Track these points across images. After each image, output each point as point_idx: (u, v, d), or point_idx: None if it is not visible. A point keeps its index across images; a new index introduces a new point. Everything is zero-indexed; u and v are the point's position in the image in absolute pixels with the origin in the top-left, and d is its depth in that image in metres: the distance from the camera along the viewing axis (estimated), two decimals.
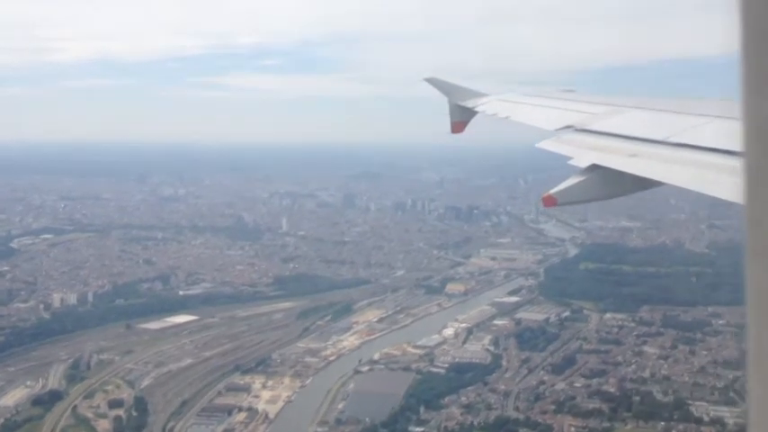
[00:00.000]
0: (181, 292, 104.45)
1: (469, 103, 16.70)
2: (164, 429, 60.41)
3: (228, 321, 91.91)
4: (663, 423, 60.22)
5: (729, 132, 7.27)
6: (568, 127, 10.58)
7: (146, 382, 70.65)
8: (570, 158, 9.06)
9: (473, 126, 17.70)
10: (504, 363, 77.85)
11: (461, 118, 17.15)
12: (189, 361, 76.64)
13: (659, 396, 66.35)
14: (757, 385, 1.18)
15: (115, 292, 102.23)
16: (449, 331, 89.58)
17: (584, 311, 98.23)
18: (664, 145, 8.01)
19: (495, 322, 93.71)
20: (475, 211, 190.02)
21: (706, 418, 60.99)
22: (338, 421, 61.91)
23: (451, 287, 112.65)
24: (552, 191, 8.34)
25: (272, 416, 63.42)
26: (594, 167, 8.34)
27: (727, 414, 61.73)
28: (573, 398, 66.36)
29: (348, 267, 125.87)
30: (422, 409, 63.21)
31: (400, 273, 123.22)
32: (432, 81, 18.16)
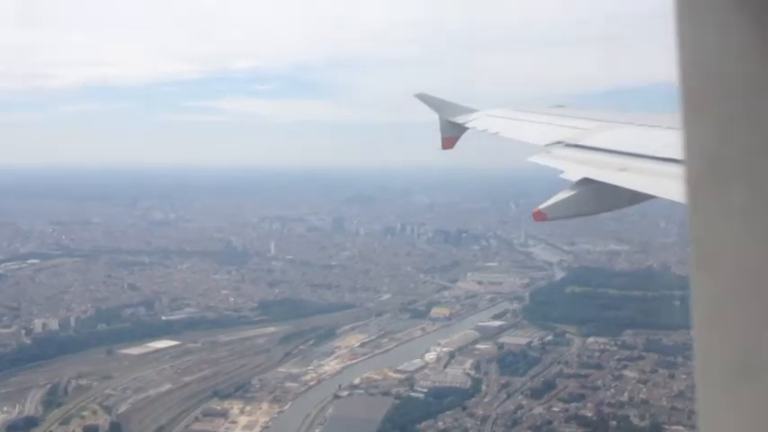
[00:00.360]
0: (164, 317, 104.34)
1: (460, 119, 16.81)
2: None
3: (210, 346, 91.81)
4: None
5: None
6: (559, 142, 10.60)
7: (123, 408, 70.46)
8: (561, 172, 9.14)
9: (464, 142, 17.69)
10: (483, 387, 77.90)
11: (452, 134, 17.22)
12: (168, 386, 76.49)
13: (636, 420, 66.53)
14: (705, 390, 1.23)
15: (98, 317, 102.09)
16: (431, 355, 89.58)
17: (567, 335, 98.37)
18: (654, 160, 8.03)
19: (478, 346, 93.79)
20: (464, 235, 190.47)
21: None
22: None
23: (436, 311, 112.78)
24: (542, 206, 8.38)
25: None
26: (586, 181, 8.42)
27: None
28: (550, 422, 66.46)
29: (334, 291, 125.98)
30: None
31: (386, 297, 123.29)
32: (422, 97, 18.33)
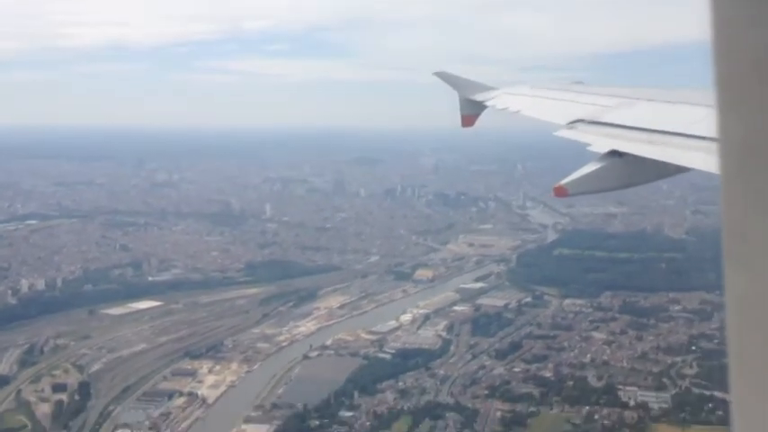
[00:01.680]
0: (150, 278, 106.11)
1: (479, 97, 16.72)
2: (101, 414, 62.09)
3: (191, 307, 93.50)
4: (587, 407, 61.21)
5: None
6: (579, 120, 10.45)
7: (95, 367, 72.37)
8: (588, 145, 9.01)
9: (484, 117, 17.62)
10: (452, 348, 79.04)
11: (471, 112, 17.24)
12: (143, 346, 78.32)
13: (593, 381, 67.39)
14: (739, 389, 1.24)
15: (85, 277, 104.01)
16: (406, 317, 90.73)
17: (546, 297, 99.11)
18: (681, 136, 7.89)
19: (455, 308, 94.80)
20: (462, 197, 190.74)
21: (632, 403, 61.96)
22: (274, 406, 63.37)
23: (420, 273, 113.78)
24: (564, 181, 8.22)
25: (210, 401, 64.94)
26: (612, 154, 8.27)
27: (653, 399, 62.68)
28: (508, 383, 67.51)
29: (323, 253, 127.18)
30: (356, 395, 64.49)
31: (374, 259, 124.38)
32: (441, 75, 18.24)
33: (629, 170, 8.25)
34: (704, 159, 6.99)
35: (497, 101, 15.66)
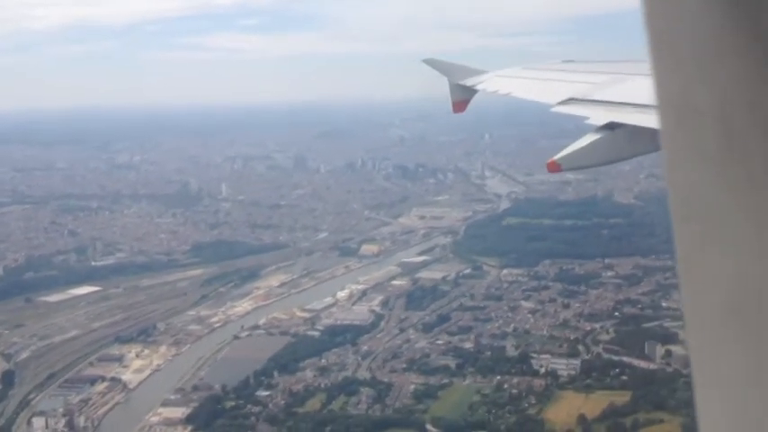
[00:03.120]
0: (93, 263, 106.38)
1: (469, 82, 16.51)
2: (21, 402, 62.86)
3: (130, 291, 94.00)
4: (499, 377, 62.63)
5: None
6: (571, 99, 10.41)
7: (23, 355, 72.93)
8: (586, 118, 9.01)
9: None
10: (382, 323, 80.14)
11: (462, 97, 17.01)
12: (75, 332, 78.90)
13: (510, 351, 68.83)
14: (695, 336, 1.27)
15: (28, 265, 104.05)
16: (343, 293, 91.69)
17: (485, 268, 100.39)
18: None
19: (394, 282, 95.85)
20: (420, 169, 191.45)
21: (542, 371, 63.43)
22: (194, 388, 64.35)
23: (366, 249, 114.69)
24: (557, 156, 8.16)
25: (132, 385, 65.77)
26: (604, 128, 8.31)
27: (563, 366, 64.20)
28: (427, 356, 68.81)
29: (272, 232, 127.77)
30: (276, 374, 65.56)
31: (323, 235, 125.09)
32: (430, 62, 18.02)
33: (622, 143, 8.26)
34: None
35: (488, 84, 15.65)
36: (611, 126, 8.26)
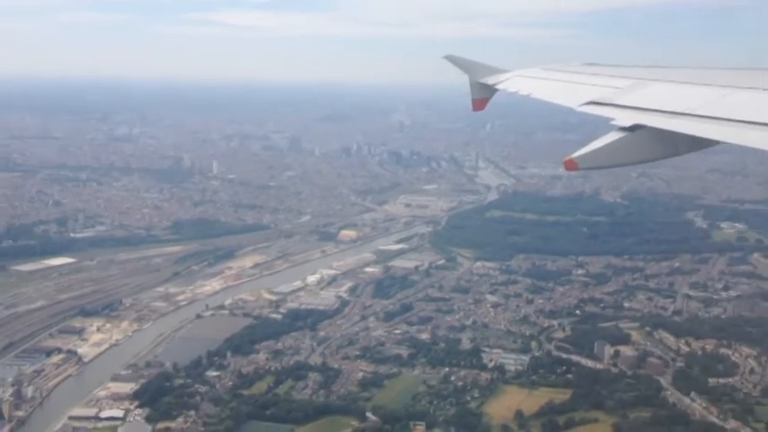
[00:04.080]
0: (73, 235, 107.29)
1: (490, 80, 16.39)
2: None
3: (104, 265, 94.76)
4: (447, 369, 63.15)
5: (753, 104, 7.85)
6: (592, 102, 10.32)
7: None
8: (612, 119, 8.98)
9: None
10: (346, 310, 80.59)
11: (482, 95, 16.86)
12: (41, 303, 79.68)
13: (464, 344, 69.27)
14: None
15: (8, 233, 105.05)
16: (314, 278, 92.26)
17: (460, 259, 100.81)
18: (691, 116, 7.95)
19: (367, 269, 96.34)
20: (414, 157, 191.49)
21: (490, 365, 63.91)
22: (147, 365, 65.05)
23: (345, 234, 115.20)
24: (575, 155, 8.10)
25: (87, 359, 66.52)
26: (623, 130, 8.32)
27: (512, 361, 64.67)
28: (382, 344, 69.32)
29: (256, 212, 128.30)
30: (229, 354, 66.21)
31: (305, 219, 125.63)
32: (451, 59, 17.75)
33: (641, 146, 8.24)
34: (719, 132, 7.24)
35: (508, 84, 15.51)
36: (631, 128, 8.29)
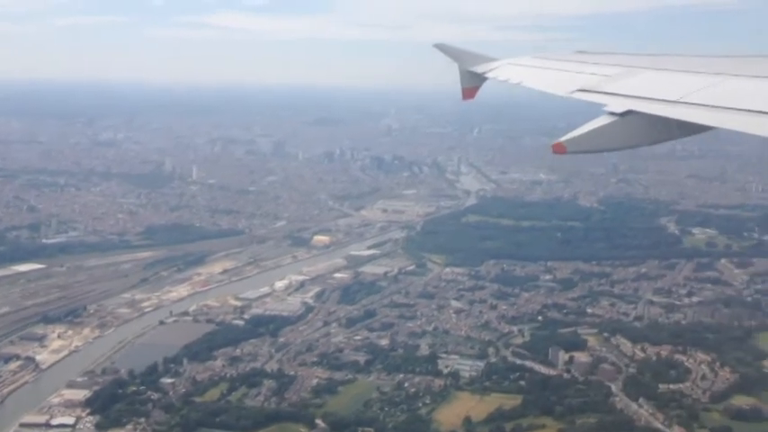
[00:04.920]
0: (45, 241, 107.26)
1: (480, 69, 16.25)
2: None
3: (73, 271, 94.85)
4: (402, 375, 63.40)
5: (745, 91, 7.91)
6: (581, 90, 10.32)
7: None
8: (604, 105, 8.94)
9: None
10: (310, 316, 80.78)
11: (472, 84, 16.71)
12: (5, 309, 79.71)
13: (423, 350, 69.53)
14: None
15: None
16: (282, 283, 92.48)
17: (430, 265, 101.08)
18: (680, 104, 7.98)
19: (336, 275, 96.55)
20: (396, 162, 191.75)
21: (445, 372, 64.16)
22: (103, 371, 65.14)
23: (318, 239, 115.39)
24: (563, 138, 8.08)
25: (45, 366, 66.62)
26: (613, 114, 8.35)
27: (467, 368, 64.93)
28: (341, 350, 69.55)
29: (232, 217, 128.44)
30: (185, 361, 66.36)
31: (281, 224, 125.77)
32: (441, 47, 17.62)
33: (630, 130, 8.23)
34: (711, 118, 7.31)
35: (498, 72, 15.36)
36: (622, 114, 8.31)
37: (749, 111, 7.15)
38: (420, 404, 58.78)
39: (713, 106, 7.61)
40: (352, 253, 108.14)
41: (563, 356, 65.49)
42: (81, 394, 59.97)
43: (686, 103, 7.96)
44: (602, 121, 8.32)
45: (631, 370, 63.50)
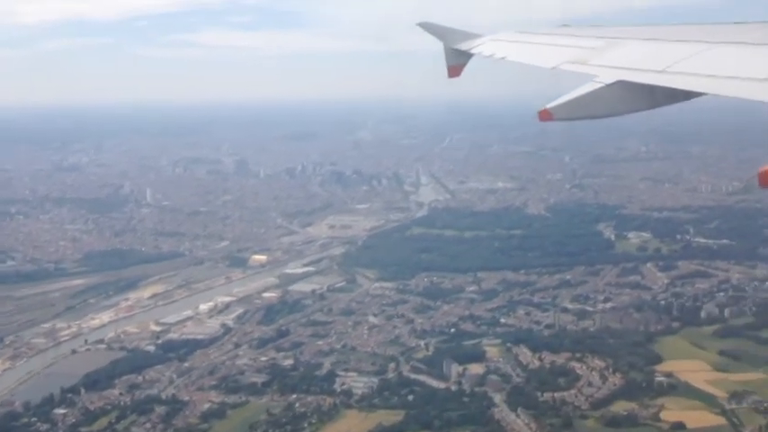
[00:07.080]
0: None
1: (464, 46, 16.15)
2: None
3: (2, 301, 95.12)
4: (295, 396, 63.70)
5: (731, 58, 8.03)
6: (570, 62, 10.35)
7: None
8: (595, 76, 8.94)
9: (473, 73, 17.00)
10: (225, 338, 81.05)
11: (457, 62, 16.58)
12: None
13: (325, 368, 69.74)
14: None
15: None
16: (206, 306, 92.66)
17: (361, 281, 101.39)
18: (668, 73, 8.05)
19: (264, 295, 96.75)
20: (354, 176, 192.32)
21: (339, 390, 64.47)
22: (1, 404, 65.52)
23: (255, 259, 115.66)
24: (549, 105, 8.10)
25: None
26: (600, 82, 8.45)
27: (361, 385, 65.23)
28: (242, 373, 69.81)
29: (175, 240, 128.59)
30: (83, 390, 66.63)
31: (223, 244, 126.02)
32: (425, 26, 17.50)
33: (618, 97, 8.32)
34: (699, 84, 7.46)
35: (483, 48, 15.24)
36: (603, 81, 8.43)
37: (735, 77, 7.21)
38: (306, 424, 58.93)
39: (700, 74, 7.75)
40: (287, 271, 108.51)
41: (456, 369, 65.83)
42: None
43: (673, 72, 8.07)
44: (588, 87, 8.47)
45: (518, 380, 63.85)
